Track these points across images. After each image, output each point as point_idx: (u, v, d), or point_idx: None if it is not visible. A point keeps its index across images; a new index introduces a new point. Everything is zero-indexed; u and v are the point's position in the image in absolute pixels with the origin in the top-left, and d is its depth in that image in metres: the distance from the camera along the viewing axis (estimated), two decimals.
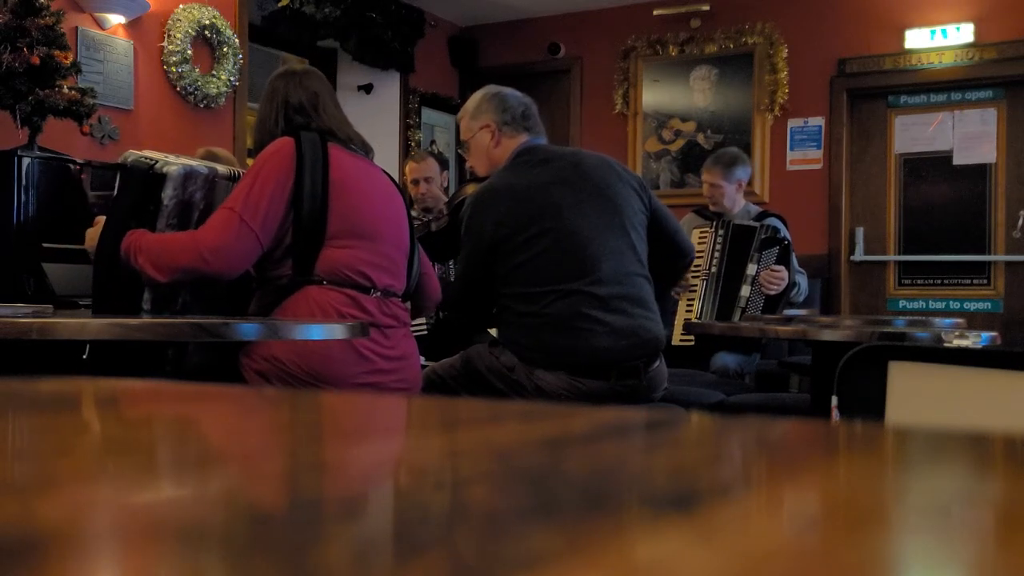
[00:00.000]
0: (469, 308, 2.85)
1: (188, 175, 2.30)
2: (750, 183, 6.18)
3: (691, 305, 4.08)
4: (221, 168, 2.41)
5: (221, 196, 2.38)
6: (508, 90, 2.90)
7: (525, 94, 2.92)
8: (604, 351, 2.62)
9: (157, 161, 2.29)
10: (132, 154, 2.33)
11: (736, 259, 4.00)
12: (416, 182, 4.39)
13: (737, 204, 4.22)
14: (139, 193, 2.29)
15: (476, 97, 2.89)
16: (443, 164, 4.58)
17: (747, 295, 3.98)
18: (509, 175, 2.72)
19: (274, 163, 2.28)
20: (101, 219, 2.35)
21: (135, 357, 1.98)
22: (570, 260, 2.62)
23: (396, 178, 3.69)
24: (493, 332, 3.19)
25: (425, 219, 3.65)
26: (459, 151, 3.11)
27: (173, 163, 2.31)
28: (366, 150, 2.51)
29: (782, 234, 4.04)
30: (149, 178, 2.27)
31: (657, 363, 2.77)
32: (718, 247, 4.03)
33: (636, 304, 2.69)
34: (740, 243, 4.01)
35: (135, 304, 2.26)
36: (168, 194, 2.27)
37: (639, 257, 2.75)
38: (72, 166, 3.88)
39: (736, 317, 3.96)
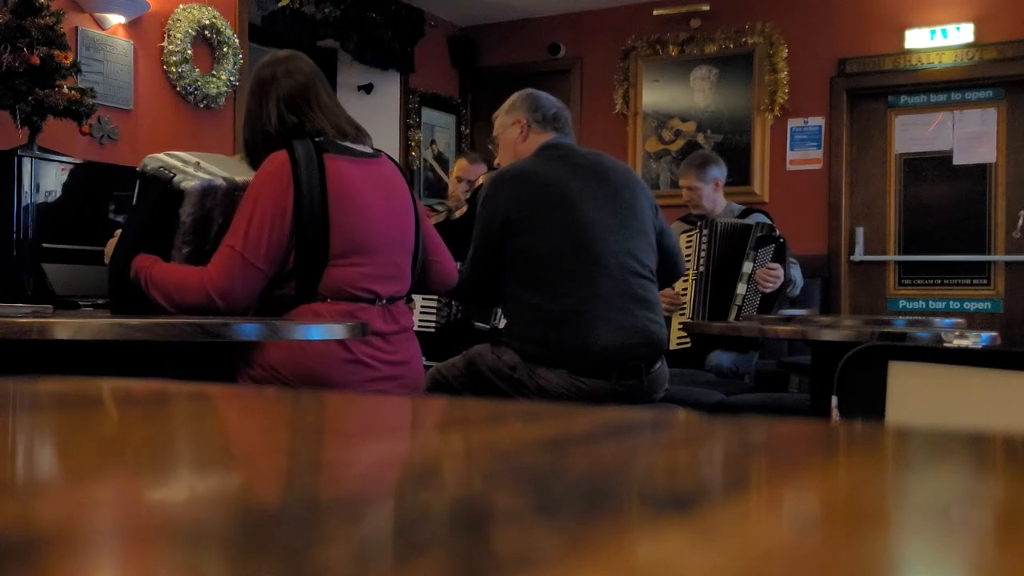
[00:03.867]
0: (479, 290, 2.86)
1: (206, 191, 2.25)
2: (749, 183, 6.24)
3: (683, 310, 4.09)
4: (239, 177, 2.34)
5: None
6: (543, 93, 2.97)
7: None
8: (607, 349, 2.62)
9: (176, 175, 2.23)
10: (152, 160, 2.28)
11: (727, 257, 4.02)
12: (460, 180, 4.44)
13: (718, 204, 4.24)
14: (156, 208, 2.25)
15: (512, 98, 2.97)
16: (489, 168, 4.62)
17: (743, 293, 3.98)
18: (530, 163, 2.77)
19: (270, 187, 2.22)
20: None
21: (137, 357, 1.98)
22: (579, 253, 2.64)
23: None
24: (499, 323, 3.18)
25: (446, 207, 3.67)
26: (488, 146, 3.13)
27: (192, 176, 2.24)
28: (364, 139, 2.42)
29: (777, 232, 4.05)
30: (167, 193, 2.23)
31: (659, 364, 2.78)
32: (704, 247, 4.05)
33: (641, 305, 2.70)
34: (731, 241, 4.03)
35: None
36: (186, 211, 2.23)
37: (648, 260, 2.77)
38: (72, 166, 3.89)
39: (732, 315, 3.97)
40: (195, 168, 2.29)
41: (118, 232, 2.35)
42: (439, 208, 3.87)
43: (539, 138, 2.85)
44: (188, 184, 2.22)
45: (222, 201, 2.29)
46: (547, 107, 2.89)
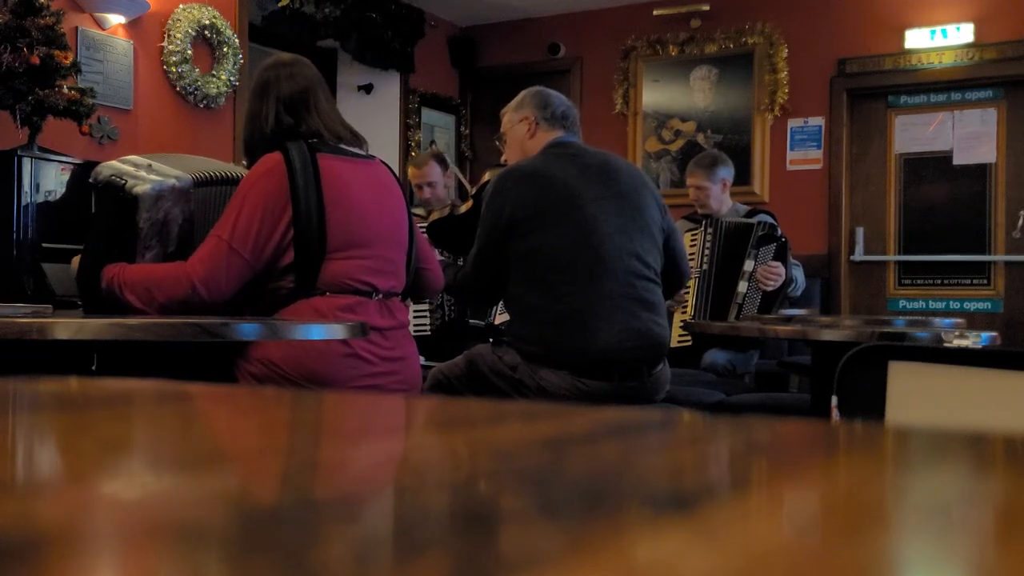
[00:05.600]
0: (478, 288, 2.86)
1: (159, 195, 2.21)
2: (749, 183, 6.24)
3: (685, 306, 4.12)
4: (194, 175, 2.32)
5: (201, 205, 2.31)
6: (553, 91, 2.97)
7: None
8: (609, 350, 2.62)
9: (127, 181, 2.19)
10: (104, 169, 2.24)
11: (730, 256, 4.04)
12: (420, 187, 4.40)
13: (724, 204, 4.27)
14: (113, 217, 2.21)
15: (521, 94, 2.96)
16: (443, 163, 4.58)
17: (744, 291, 4.01)
18: (537, 161, 2.76)
19: (262, 185, 2.24)
20: None
21: (137, 357, 1.97)
22: (585, 253, 2.63)
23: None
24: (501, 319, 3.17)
25: (452, 203, 3.66)
26: (496, 143, 3.13)
27: (144, 180, 2.20)
28: (359, 143, 2.46)
29: (779, 231, 4.07)
30: (121, 202, 2.19)
31: (660, 366, 2.77)
32: (708, 245, 4.08)
33: (645, 307, 2.70)
34: (734, 240, 4.06)
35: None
36: (143, 217, 2.19)
37: (653, 262, 2.77)
38: (72, 166, 3.88)
39: (733, 313, 3.99)
40: (147, 171, 2.25)
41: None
42: (419, 212, 3.85)
43: (547, 136, 2.84)
44: (140, 189, 2.19)
45: (179, 200, 2.26)
46: (556, 105, 2.88)
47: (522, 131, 2.88)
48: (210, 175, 2.36)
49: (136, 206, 2.19)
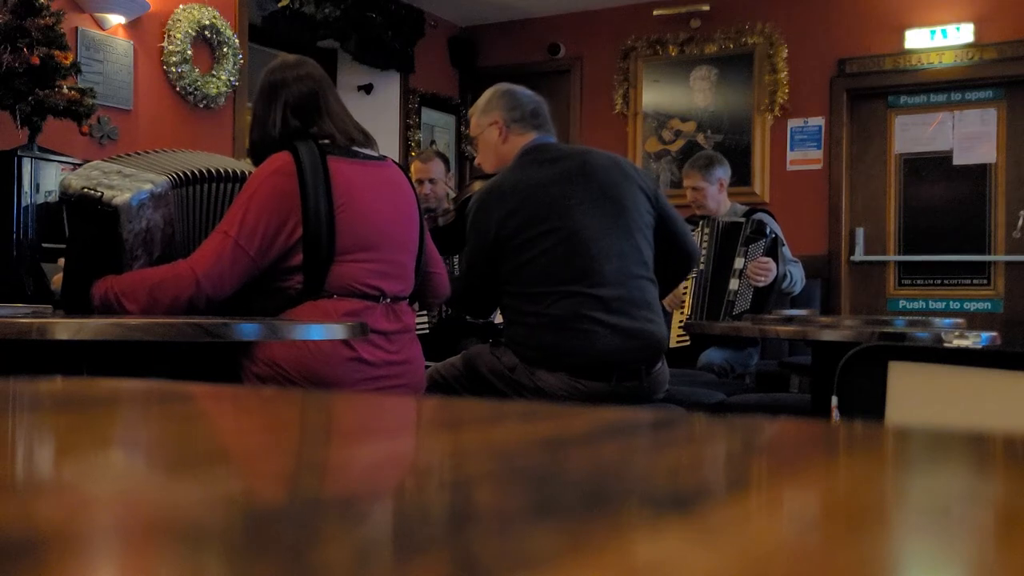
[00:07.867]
0: (472, 303, 2.88)
1: (140, 204, 2.11)
2: (749, 183, 6.25)
3: (683, 306, 4.13)
4: (167, 176, 2.22)
5: (183, 208, 2.26)
6: (519, 88, 2.88)
7: (536, 93, 2.91)
8: (605, 353, 2.61)
9: (103, 192, 2.08)
10: (74, 179, 2.12)
11: (724, 255, 4.06)
12: (420, 182, 4.41)
13: (722, 205, 4.27)
14: (92, 231, 2.10)
15: (487, 94, 2.89)
16: (447, 163, 4.61)
17: (736, 288, 4.02)
18: (515, 173, 2.71)
19: (271, 183, 2.22)
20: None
21: (137, 357, 1.96)
22: (574, 260, 2.62)
23: None
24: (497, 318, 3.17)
25: (431, 215, 3.68)
26: (467, 147, 3.11)
27: (119, 189, 2.09)
28: (370, 143, 2.43)
29: (769, 228, 4.07)
30: (100, 215, 2.08)
31: (659, 365, 2.77)
32: (705, 245, 4.09)
33: (639, 307, 2.68)
34: (727, 239, 4.07)
35: None
36: (125, 228, 2.10)
37: (644, 259, 2.73)
38: (72, 166, 3.89)
39: (725, 311, 4.01)
40: (120, 177, 2.15)
41: (61, 261, 2.23)
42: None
43: (520, 139, 2.78)
44: (119, 200, 2.09)
45: (159, 206, 2.19)
46: (525, 104, 2.81)
47: (493, 136, 2.81)
48: (190, 174, 2.28)
49: (116, 218, 2.09)
